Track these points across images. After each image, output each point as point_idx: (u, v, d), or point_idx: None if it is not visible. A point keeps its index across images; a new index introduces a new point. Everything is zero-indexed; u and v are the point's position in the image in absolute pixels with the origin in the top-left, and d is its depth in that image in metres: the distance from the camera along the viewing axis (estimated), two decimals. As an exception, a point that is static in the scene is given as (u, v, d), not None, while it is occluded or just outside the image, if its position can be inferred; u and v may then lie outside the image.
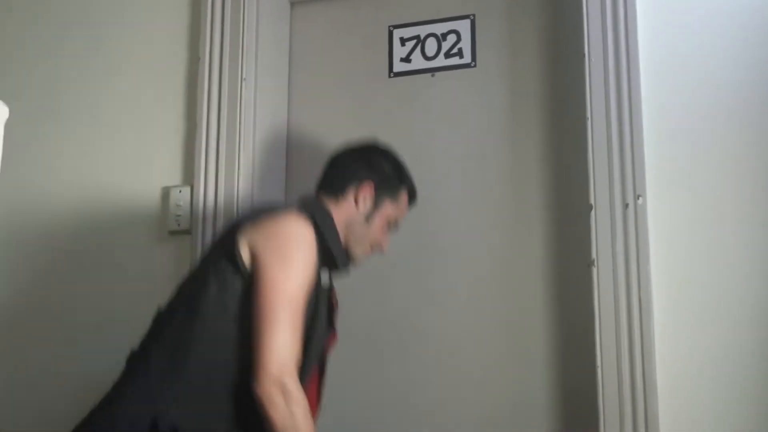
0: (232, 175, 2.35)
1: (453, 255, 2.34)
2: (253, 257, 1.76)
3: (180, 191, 2.38)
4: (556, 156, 2.30)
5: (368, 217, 2.00)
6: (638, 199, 2.03)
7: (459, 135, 2.41)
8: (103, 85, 2.54)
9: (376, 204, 2.01)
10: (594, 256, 2.03)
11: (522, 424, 2.19)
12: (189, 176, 2.40)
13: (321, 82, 2.56)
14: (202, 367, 1.73)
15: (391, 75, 2.50)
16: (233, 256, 1.77)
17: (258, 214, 1.85)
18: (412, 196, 2.09)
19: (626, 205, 2.03)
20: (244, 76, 2.39)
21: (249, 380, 1.70)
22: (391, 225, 2.05)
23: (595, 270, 2.02)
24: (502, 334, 2.26)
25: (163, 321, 1.83)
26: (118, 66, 2.54)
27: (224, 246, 1.80)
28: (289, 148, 2.55)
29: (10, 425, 2.35)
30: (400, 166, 2.08)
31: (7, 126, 1.31)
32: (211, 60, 2.42)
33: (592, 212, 2.05)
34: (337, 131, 2.41)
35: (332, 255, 1.89)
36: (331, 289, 1.95)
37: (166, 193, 2.41)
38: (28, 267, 2.49)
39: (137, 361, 1.79)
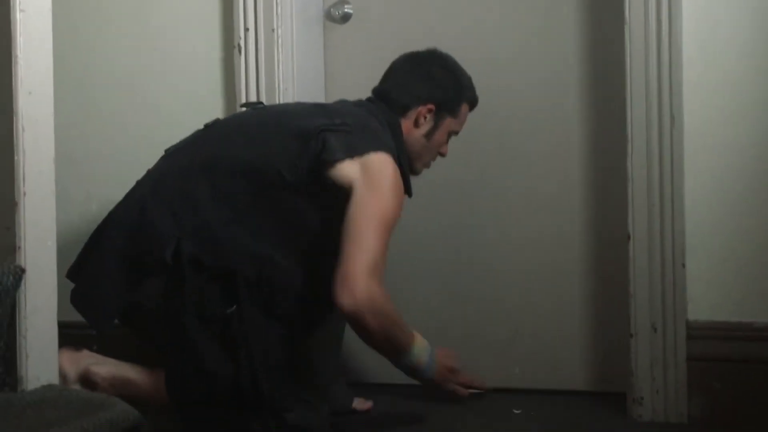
0: None
1: None
2: (345, 180, 1.81)
3: None
4: None
5: (428, 136, 2.07)
6: None
7: None
8: None
9: (437, 123, 2.07)
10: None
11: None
12: None
13: None
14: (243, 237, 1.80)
15: None
16: (319, 173, 1.81)
17: (359, 141, 1.84)
18: (473, 106, 2.14)
19: None
20: None
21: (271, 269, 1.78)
22: (452, 135, 2.13)
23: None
24: None
25: (217, 167, 1.86)
26: None
27: (314, 153, 1.82)
28: None
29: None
30: (461, 79, 2.10)
31: None
32: None
33: None
34: None
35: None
36: None
37: None
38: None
39: (176, 178, 1.86)
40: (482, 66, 2.29)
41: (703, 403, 2.03)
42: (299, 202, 1.83)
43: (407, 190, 1.96)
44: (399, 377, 2.36)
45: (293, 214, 1.84)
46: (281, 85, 2.38)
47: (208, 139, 1.96)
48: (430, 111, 2.06)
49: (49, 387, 1.45)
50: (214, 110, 2.41)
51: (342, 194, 1.81)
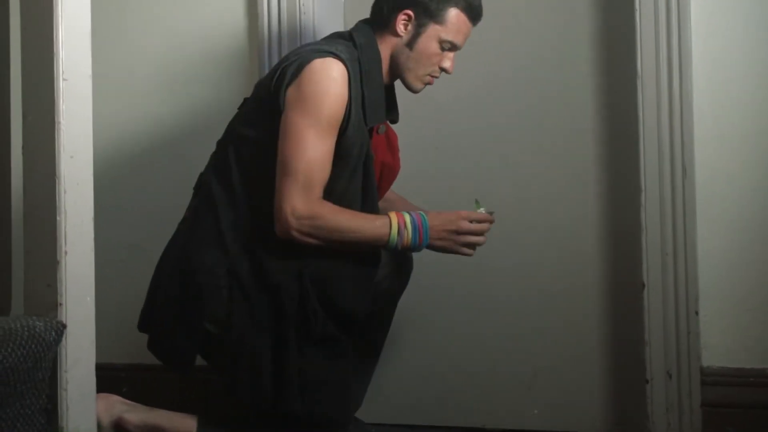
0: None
1: None
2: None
3: None
4: None
5: (411, 45, 1.98)
6: None
7: None
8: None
9: (418, 31, 1.97)
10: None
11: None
12: None
13: None
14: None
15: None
16: (278, 109, 1.84)
17: (303, 59, 1.85)
18: (471, 14, 1.99)
19: None
20: None
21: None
22: (446, 47, 1.98)
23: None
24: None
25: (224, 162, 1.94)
26: None
27: (270, 95, 1.87)
28: None
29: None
30: None
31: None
32: None
33: None
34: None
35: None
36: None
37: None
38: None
39: (207, 210, 1.92)
40: (501, 117, 2.38)
41: (718, 448, 2.08)
42: None
43: (371, 111, 1.92)
44: (421, 419, 2.44)
45: None
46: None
47: (216, 158, 2.01)
48: (408, 17, 1.97)
49: (88, 437, 1.52)
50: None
51: None
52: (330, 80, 1.83)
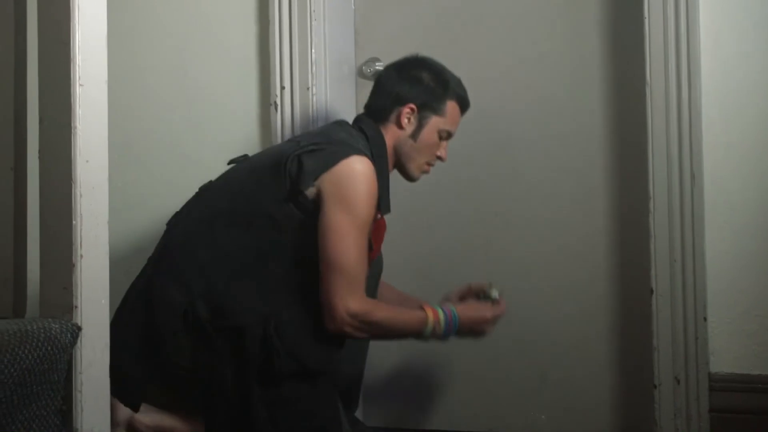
0: None
1: None
2: (319, 196, 1.89)
3: None
4: None
5: (414, 136, 2.08)
6: None
7: None
8: None
9: (421, 123, 2.08)
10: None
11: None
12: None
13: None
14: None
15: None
16: (300, 200, 1.89)
17: (337, 152, 1.91)
18: (463, 105, 2.13)
19: None
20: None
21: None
22: (443, 136, 2.12)
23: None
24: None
25: (211, 212, 1.97)
26: None
27: (291, 180, 1.89)
28: None
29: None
30: (443, 78, 2.10)
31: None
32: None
33: None
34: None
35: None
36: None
37: None
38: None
39: (178, 247, 1.96)
40: (512, 124, 2.40)
41: (726, 454, 2.08)
42: (294, 240, 1.91)
43: (383, 203, 2.01)
44: (428, 424, 2.45)
45: (292, 252, 1.91)
46: (315, 141, 2.47)
47: (202, 202, 2.04)
48: (411, 111, 2.07)
49: (102, 438, 1.54)
50: (251, 164, 2.49)
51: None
52: (369, 182, 1.91)
